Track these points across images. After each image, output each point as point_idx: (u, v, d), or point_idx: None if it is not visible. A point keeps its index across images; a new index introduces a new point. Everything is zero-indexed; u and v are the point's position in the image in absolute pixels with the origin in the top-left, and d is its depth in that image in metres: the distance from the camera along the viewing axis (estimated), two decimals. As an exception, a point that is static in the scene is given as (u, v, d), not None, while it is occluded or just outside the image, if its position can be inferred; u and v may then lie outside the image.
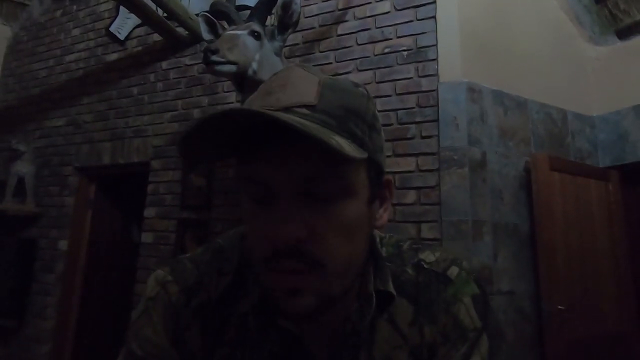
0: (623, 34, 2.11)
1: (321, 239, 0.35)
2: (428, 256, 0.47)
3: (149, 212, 2.42)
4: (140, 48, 2.73)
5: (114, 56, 2.83)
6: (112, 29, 2.84)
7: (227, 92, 2.34)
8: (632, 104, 2.00)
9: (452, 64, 1.82)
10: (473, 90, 1.80)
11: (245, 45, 1.48)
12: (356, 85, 0.40)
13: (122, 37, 2.80)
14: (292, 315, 0.37)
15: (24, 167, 2.77)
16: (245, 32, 1.51)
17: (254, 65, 1.50)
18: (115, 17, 2.85)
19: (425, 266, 0.46)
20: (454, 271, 0.45)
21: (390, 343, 0.43)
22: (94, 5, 3.02)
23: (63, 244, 2.67)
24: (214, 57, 1.40)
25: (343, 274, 0.37)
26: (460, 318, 0.43)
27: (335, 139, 0.32)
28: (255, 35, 1.53)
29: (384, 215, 0.42)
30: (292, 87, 0.36)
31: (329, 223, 0.35)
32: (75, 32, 3.07)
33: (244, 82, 1.52)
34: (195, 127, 0.33)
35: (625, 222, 2.00)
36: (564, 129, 2.03)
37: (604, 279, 1.85)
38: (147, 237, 2.39)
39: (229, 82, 2.19)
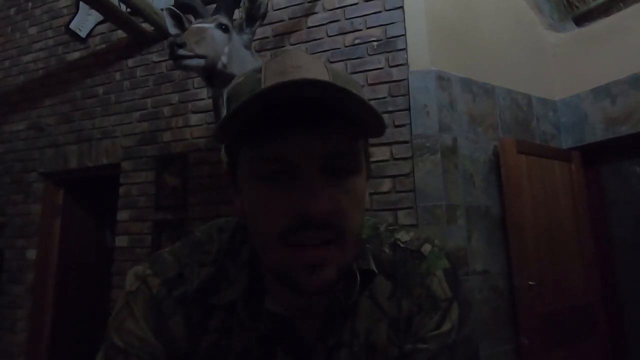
0: (580, 20, 2.21)
1: (343, 212, 0.37)
2: (403, 236, 0.49)
3: (122, 215, 2.35)
4: (103, 46, 2.63)
5: (75, 55, 2.71)
6: (72, 26, 2.72)
7: (197, 88, 2.29)
8: (590, 87, 2.11)
9: (421, 53, 1.86)
10: (442, 79, 1.84)
11: (213, 39, 1.46)
12: (347, 72, 0.42)
13: (83, 34, 2.68)
14: (311, 290, 0.37)
15: (-17, 175, 2.62)
16: (212, 25, 1.48)
17: (224, 59, 1.48)
18: (75, 13, 2.73)
19: (401, 245, 0.48)
20: (427, 248, 0.48)
21: (371, 317, 0.45)
22: (51, 2, 2.87)
23: (31, 254, 2.55)
24: (181, 51, 1.37)
25: (356, 245, 0.40)
26: (433, 289, 0.46)
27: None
28: (223, 28, 1.50)
29: (367, 192, 0.45)
30: (307, 68, 0.37)
31: (347, 197, 0.38)
32: (32, 30, 2.91)
33: (214, 76, 1.49)
34: (247, 102, 0.33)
35: (587, 199, 2.11)
36: (529, 114, 2.12)
37: (569, 254, 1.95)
38: (121, 241, 2.32)
39: (200, 78, 2.15)
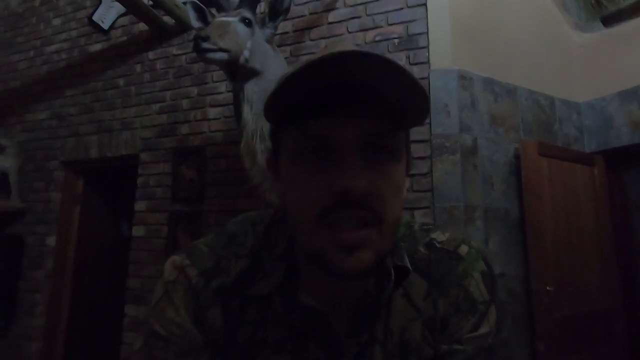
0: (608, 21, 2.15)
1: (381, 195, 0.37)
2: (439, 236, 0.49)
3: (139, 205, 2.39)
4: (125, 38, 2.66)
5: (97, 46, 2.75)
6: (95, 18, 2.75)
7: (216, 81, 2.30)
8: (616, 90, 2.05)
9: (443, 51, 1.83)
10: (464, 78, 1.81)
11: (236, 33, 1.46)
12: None
13: (105, 26, 2.72)
14: (346, 273, 0.37)
15: (7, 162, 2.69)
16: (236, 19, 1.48)
17: (246, 53, 1.48)
18: (98, 5, 2.76)
19: (437, 245, 0.48)
20: (464, 249, 0.48)
21: (405, 316, 0.45)
22: (75, -6, 2.92)
23: (51, 240, 2.61)
24: (205, 45, 1.37)
25: (393, 233, 0.40)
26: (470, 291, 0.46)
27: None
28: (247, 23, 1.50)
29: (406, 187, 0.45)
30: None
31: (385, 181, 0.38)
32: (56, 21, 2.96)
33: (236, 70, 1.50)
34: (310, 64, 0.33)
35: (609, 205, 2.06)
36: (551, 116, 2.08)
37: (590, 259, 1.91)
38: (138, 231, 2.36)
39: (219, 71, 2.16)
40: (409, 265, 0.45)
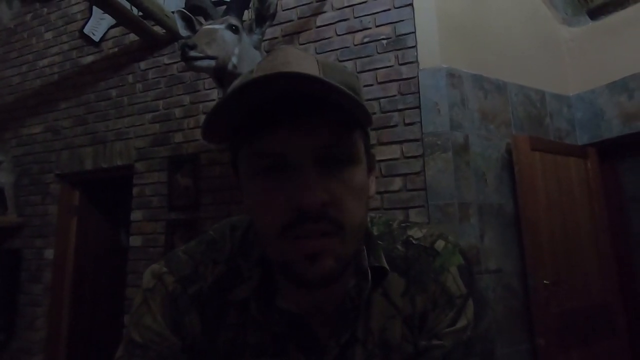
0: (594, 14, 2.16)
1: (340, 203, 0.37)
2: (416, 232, 0.49)
3: (135, 215, 2.39)
4: (116, 49, 2.67)
5: (89, 58, 2.76)
6: (86, 30, 2.77)
7: (208, 89, 2.31)
8: (605, 82, 2.06)
9: (431, 50, 1.84)
10: (453, 76, 1.82)
11: (223, 40, 1.47)
12: (344, 65, 0.42)
13: (96, 38, 2.73)
14: (312, 281, 0.37)
15: (2, 177, 2.69)
16: (222, 26, 1.50)
17: (234, 60, 1.49)
18: (89, 18, 2.78)
19: (414, 242, 0.48)
20: (440, 244, 0.48)
21: (384, 314, 0.45)
22: (66, 7, 2.93)
23: (49, 253, 2.61)
24: (192, 53, 1.38)
25: (356, 237, 0.40)
26: (447, 286, 0.46)
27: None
28: (233, 29, 1.52)
29: (372, 185, 0.45)
30: (297, 64, 0.37)
31: (344, 188, 0.37)
32: (48, 35, 2.98)
33: (224, 76, 1.51)
34: (230, 96, 0.33)
35: (604, 197, 2.06)
36: (542, 110, 2.08)
37: (586, 252, 1.91)
38: (135, 241, 2.36)
39: (210, 79, 2.17)
40: (386, 265, 0.45)
